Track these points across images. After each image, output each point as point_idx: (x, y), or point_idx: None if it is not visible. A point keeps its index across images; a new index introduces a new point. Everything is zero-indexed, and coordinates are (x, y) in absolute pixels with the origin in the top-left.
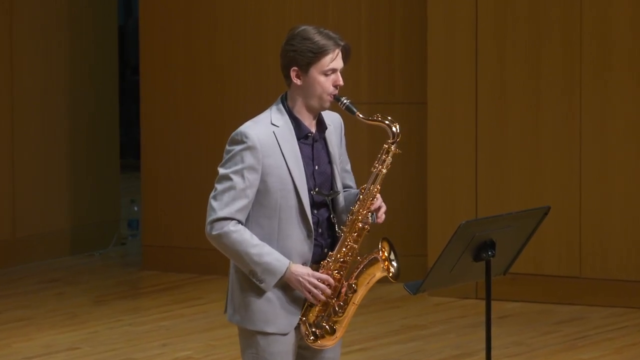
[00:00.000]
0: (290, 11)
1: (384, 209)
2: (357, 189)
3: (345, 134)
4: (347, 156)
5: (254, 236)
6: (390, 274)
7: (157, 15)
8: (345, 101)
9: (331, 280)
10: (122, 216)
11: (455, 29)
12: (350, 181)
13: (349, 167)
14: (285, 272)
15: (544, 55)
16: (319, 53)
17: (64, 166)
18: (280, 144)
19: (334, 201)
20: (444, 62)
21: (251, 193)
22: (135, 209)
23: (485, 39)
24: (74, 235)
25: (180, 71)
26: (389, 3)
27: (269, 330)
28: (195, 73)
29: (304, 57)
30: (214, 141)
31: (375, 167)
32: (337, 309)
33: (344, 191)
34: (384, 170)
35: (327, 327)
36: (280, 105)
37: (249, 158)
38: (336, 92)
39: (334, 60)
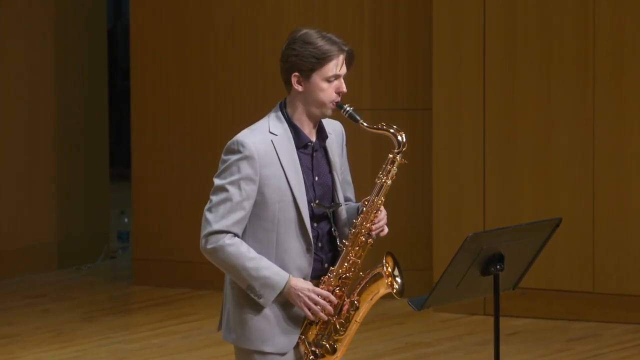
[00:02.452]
0: (289, 14)
1: (384, 212)
2: (356, 202)
3: (346, 143)
4: (348, 166)
5: (251, 249)
6: (395, 291)
7: (148, 17)
8: (348, 109)
9: (332, 297)
10: (111, 228)
11: (461, 31)
12: (350, 193)
13: (349, 178)
14: (284, 286)
15: (555, 60)
16: (323, 59)
17: (50, 176)
18: (278, 154)
19: (335, 214)
20: (450, 66)
21: (248, 205)
22: (126, 220)
23: (494, 42)
24: (61, 249)
25: (173, 76)
26: (393, 5)
27: (267, 349)
28: (188, 77)
29: (307, 62)
30: (208, 149)
31: (379, 178)
32: (338, 327)
33: (345, 204)
34: (389, 182)
35: (327, 346)
36: (279, 113)
37: (245, 168)
38: (339, 99)
39: (338, 66)
